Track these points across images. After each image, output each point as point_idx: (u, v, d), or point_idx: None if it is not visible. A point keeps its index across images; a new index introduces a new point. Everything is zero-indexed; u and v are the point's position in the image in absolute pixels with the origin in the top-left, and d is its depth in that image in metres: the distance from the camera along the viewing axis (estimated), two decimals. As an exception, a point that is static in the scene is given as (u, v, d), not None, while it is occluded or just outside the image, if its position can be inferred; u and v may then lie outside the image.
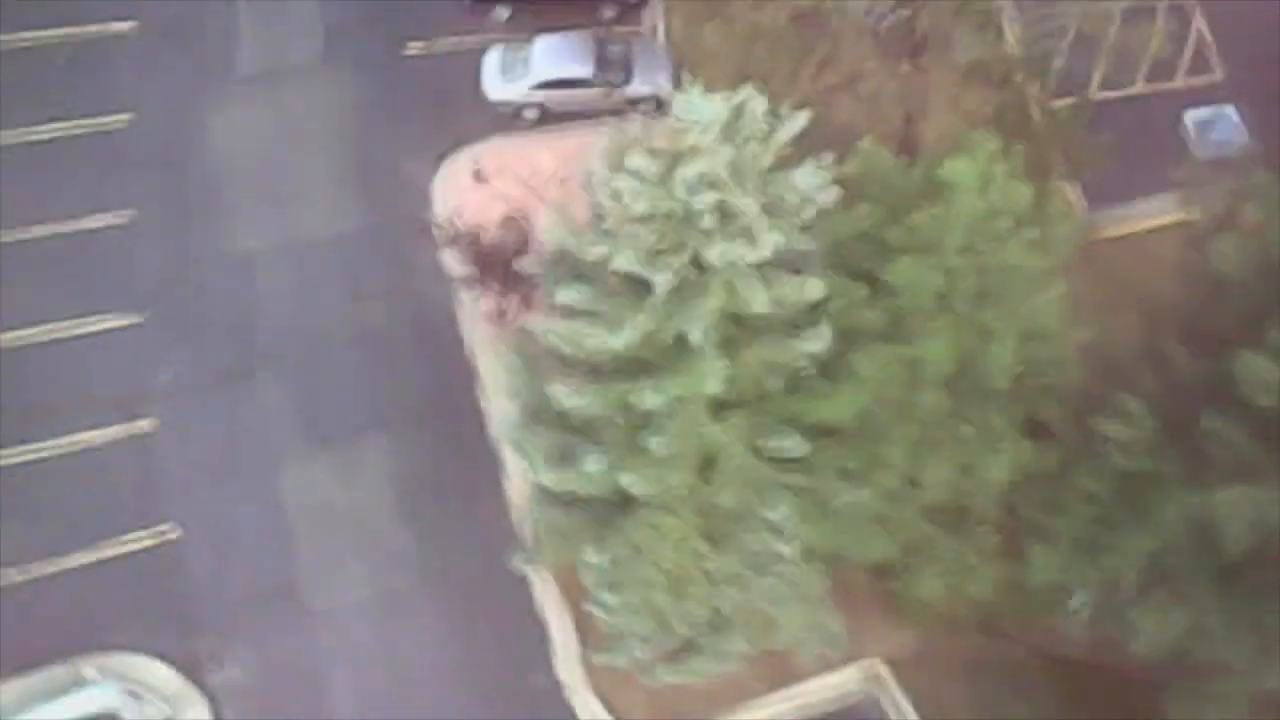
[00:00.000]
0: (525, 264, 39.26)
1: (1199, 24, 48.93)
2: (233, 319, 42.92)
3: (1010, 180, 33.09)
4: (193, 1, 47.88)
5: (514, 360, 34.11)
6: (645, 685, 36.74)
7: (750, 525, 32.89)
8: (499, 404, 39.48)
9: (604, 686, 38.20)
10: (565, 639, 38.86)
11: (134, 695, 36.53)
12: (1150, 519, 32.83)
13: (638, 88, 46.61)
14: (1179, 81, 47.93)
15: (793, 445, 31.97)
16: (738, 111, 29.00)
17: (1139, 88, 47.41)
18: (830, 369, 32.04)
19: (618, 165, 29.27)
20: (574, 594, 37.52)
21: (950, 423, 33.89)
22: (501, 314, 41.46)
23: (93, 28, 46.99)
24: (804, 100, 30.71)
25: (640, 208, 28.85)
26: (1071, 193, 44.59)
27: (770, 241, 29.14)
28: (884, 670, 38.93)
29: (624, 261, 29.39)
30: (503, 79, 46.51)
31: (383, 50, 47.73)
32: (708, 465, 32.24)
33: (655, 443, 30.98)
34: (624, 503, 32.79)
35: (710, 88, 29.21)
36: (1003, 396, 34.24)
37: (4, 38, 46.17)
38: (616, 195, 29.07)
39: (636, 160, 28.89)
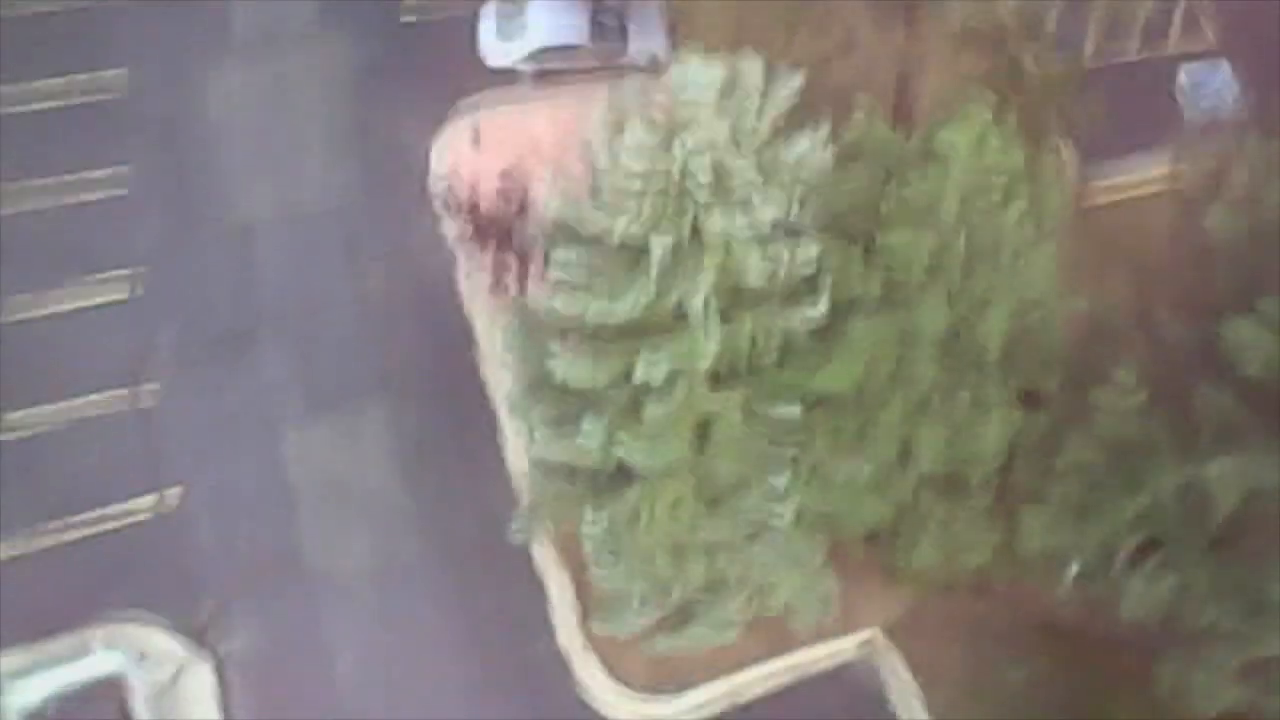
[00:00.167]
0: (524, 231, 39.44)
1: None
2: (232, 286, 42.88)
3: (1004, 148, 33.28)
4: (188, -34, 47.73)
5: (513, 330, 34.28)
6: (645, 653, 37.19)
7: (747, 493, 33.16)
8: (499, 371, 39.77)
9: (605, 654, 38.40)
10: (565, 607, 39.10)
11: (140, 661, 36.81)
12: (1141, 486, 33.03)
13: (634, 50, 46.55)
14: (1171, 44, 47.99)
15: (789, 414, 32.15)
16: (734, 80, 29.10)
17: (1132, 50, 47.44)
18: (826, 338, 32.24)
19: (615, 135, 29.40)
20: (574, 562, 37.85)
21: (944, 391, 34.16)
22: (500, 280, 41.61)
23: (89, -6, 46.89)
24: (799, 64, 30.71)
25: (637, 175, 28.99)
26: (1065, 156, 44.70)
27: (767, 210, 29.36)
28: (880, 636, 39.33)
29: (622, 229, 29.53)
30: (500, 43, 46.48)
31: (380, 15, 47.61)
32: (705, 434, 32.46)
33: (653, 412, 31.18)
34: (623, 471, 32.98)
35: (706, 52, 29.25)
36: (996, 365, 34.50)
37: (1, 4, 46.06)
38: (614, 165, 29.23)
39: (634, 130, 28.99)
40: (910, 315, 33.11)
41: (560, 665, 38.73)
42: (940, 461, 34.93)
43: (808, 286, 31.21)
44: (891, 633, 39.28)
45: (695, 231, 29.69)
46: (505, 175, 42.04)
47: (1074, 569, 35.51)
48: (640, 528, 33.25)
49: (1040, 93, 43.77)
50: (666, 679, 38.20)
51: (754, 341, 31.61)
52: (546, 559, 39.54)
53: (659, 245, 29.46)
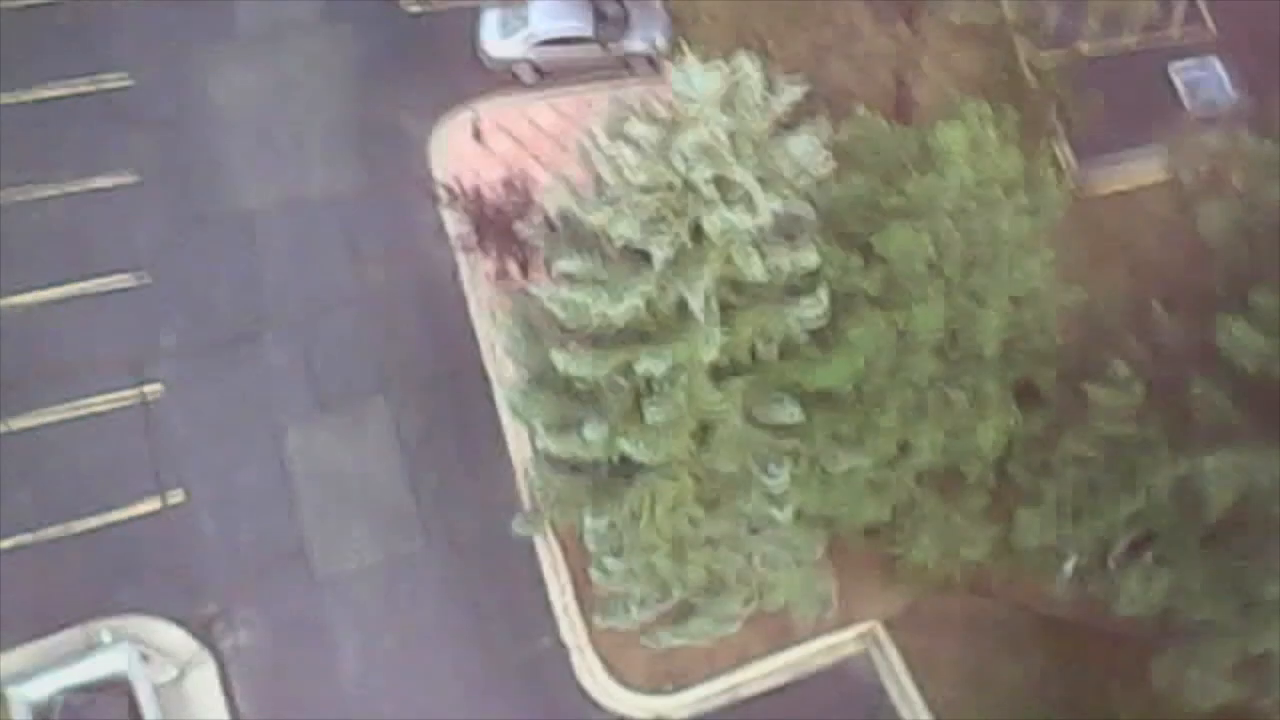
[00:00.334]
0: (526, 227, 39.53)
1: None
2: (235, 280, 42.98)
3: (1001, 146, 33.42)
4: (192, -41, 47.70)
5: (515, 326, 34.30)
6: (647, 648, 37.45)
7: (747, 490, 33.32)
8: (501, 366, 39.94)
9: (606, 650, 38.68)
10: (567, 602, 39.32)
11: (143, 658, 36.85)
12: (1137, 482, 33.23)
13: (635, 45, 46.59)
14: (1171, 35, 48.03)
15: (789, 412, 32.33)
16: (734, 84, 29.13)
17: (1131, 46, 47.47)
18: (825, 335, 32.42)
19: (617, 134, 29.38)
20: (576, 557, 38.09)
21: (942, 388, 34.29)
22: (502, 276, 41.70)
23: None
24: (799, 61, 30.66)
25: (640, 176, 28.99)
26: (1062, 151, 44.80)
27: (768, 209, 29.40)
28: (879, 631, 39.54)
29: (624, 229, 29.53)
30: (501, 36, 46.52)
31: (382, 8, 47.74)
32: (705, 431, 32.64)
33: (654, 409, 31.30)
34: (625, 468, 33.14)
35: (707, 48, 29.24)
36: (993, 361, 34.62)
37: (4, -2, 46.17)
38: (616, 164, 29.17)
39: (636, 129, 29.03)
40: (908, 312, 33.24)
41: (562, 661, 38.97)
42: (938, 457, 35.06)
43: (807, 284, 31.34)
44: (890, 628, 39.49)
45: (696, 231, 29.75)
46: (506, 169, 42.15)
47: (1070, 565, 35.73)
48: (641, 525, 33.43)
49: (1038, 89, 43.97)
50: (667, 675, 38.52)
51: (754, 339, 31.77)
52: (548, 555, 39.81)
53: (660, 243, 29.52)
